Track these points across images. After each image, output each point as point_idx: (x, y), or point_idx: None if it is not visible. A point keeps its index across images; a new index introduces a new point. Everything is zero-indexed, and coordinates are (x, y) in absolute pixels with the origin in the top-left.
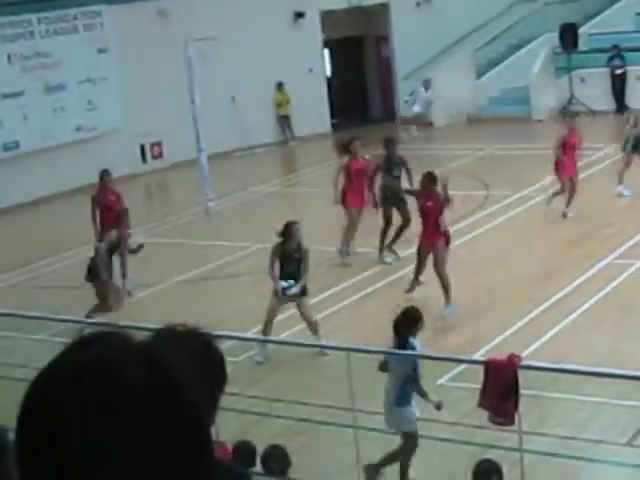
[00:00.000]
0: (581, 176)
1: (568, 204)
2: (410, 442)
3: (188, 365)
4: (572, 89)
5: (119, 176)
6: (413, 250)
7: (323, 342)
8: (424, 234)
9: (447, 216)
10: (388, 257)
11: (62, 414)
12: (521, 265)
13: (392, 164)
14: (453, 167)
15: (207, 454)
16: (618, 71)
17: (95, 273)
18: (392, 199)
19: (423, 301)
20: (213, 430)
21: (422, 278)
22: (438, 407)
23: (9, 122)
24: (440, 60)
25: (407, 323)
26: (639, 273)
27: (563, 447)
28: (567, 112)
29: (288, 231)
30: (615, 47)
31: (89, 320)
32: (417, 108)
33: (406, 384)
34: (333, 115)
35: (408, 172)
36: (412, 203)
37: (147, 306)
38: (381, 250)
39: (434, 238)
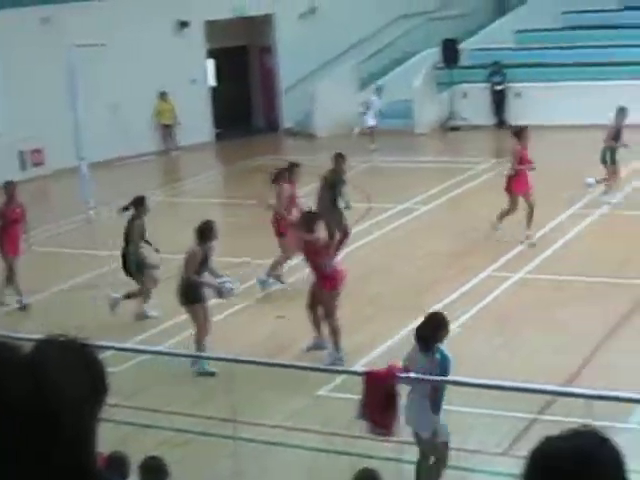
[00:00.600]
0: (461, 189)
1: (528, 225)
2: (446, 452)
3: (69, 377)
4: (453, 104)
5: None
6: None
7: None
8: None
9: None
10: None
11: None
12: (403, 276)
13: (339, 180)
14: None
15: (88, 470)
16: (498, 87)
17: None
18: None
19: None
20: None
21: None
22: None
23: None
24: (324, 72)
25: (433, 329)
26: (516, 286)
27: None
28: (518, 127)
29: (213, 230)
30: (495, 64)
31: None
32: (371, 121)
33: (441, 391)
34: (217, 125)
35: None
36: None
37: (26, 315)
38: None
39: (320, 282)
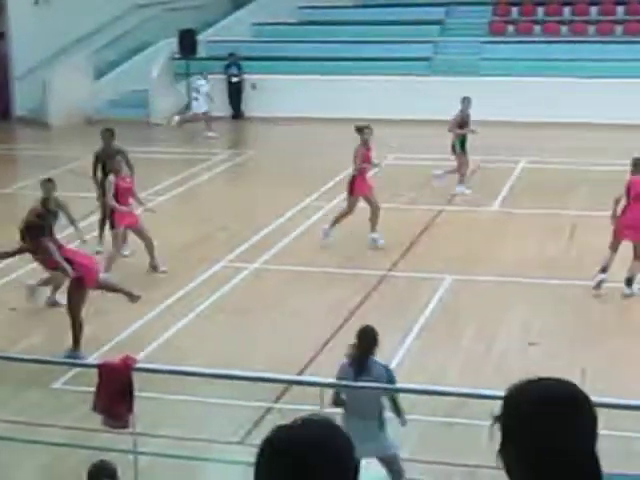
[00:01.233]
0: (198, 180)
1: (373, 227)
2: (400, 463)
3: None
4: (190, 94)
5: None
6: None
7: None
8: None
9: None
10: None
11: None
12: (139, 266)
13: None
14: (72, 168)
15: None
16: (234, 79)
17: None
18: None
19: None
20: None
21: None
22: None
23: None
24: (58, 60)
25: (367, 343)
26: (251, 276)
27: (178, 448)
28: (362, 126)
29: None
30: (232, 55)
31: None
32: (203, 106)
33: (383, 407)
34: None
35: None
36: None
37: None
38: None
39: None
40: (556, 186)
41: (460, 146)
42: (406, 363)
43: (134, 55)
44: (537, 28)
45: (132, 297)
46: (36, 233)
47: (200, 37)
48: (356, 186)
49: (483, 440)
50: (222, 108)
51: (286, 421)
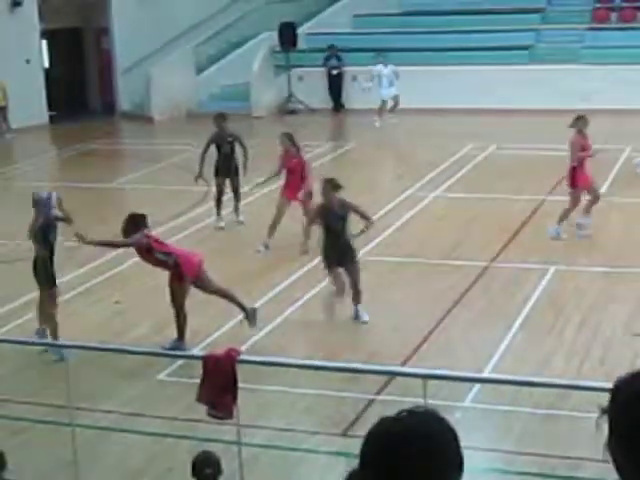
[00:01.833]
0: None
1: (587, 209)
2: None
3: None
4: (290, 87)
5: None
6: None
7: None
8: None
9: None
10: None
11: None
12: (241, 260)
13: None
14: (174, 162)
15: None
16: (334, 71)
17: None
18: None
19: None
20: None
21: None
22: None
23: None
24: (161, 55)
25: None
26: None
27: (281, 439)
28: (579, 116)
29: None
30: (332, 47)
31: None
32: (392, 90)
33: None
34: (51, 107)
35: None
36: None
37: None
38: None
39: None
40: None
41: None
42: (509, 355)
43: (235, 49)
44: None
45: (246, 313)
46: (127, 229)
47: (300, 30)
48: (578, 178)
49: (587, 432)
50: (323, 100)
51: (390, 413)
